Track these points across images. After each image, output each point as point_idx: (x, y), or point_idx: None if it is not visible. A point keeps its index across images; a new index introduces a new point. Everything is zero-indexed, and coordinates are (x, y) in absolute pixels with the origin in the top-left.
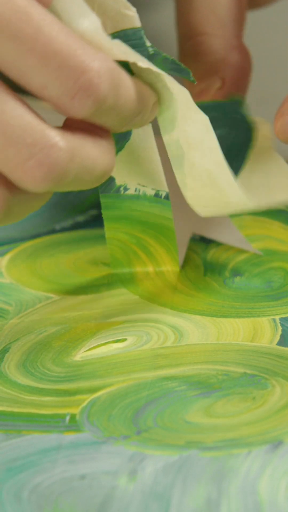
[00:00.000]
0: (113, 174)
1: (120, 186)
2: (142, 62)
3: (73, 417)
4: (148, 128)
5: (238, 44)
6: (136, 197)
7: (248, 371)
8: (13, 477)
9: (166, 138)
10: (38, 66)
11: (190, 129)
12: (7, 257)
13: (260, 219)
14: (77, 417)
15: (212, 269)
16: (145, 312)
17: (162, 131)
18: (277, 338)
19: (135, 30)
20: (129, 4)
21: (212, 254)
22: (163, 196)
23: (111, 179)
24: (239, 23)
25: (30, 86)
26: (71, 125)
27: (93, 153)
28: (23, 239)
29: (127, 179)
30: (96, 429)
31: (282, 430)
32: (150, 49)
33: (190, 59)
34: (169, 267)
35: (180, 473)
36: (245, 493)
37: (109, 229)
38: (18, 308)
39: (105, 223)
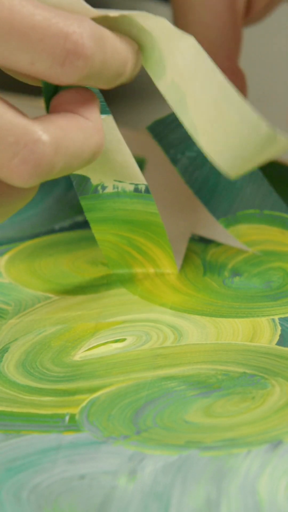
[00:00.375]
0: (87, 174)
1: (97, 186)
2: (113, 13)
3: (72, 417)
4: (109, 119)
5: (230, 65)
6: (116, 195)
7: (248, 371)
8: (13, 477)
9: (161, 86)
10: (21, 45)
11: (181, 61)
12: (6, 257)
13: (257, 226)
14: (77, 417)
15: (212, 269)
16: (144, 312)
17: (154, 79)
18: (277, 338)
19: None
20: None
21: (212, 254)
22: (143, 190)
23: (87, 180)
24: (233, 44)
25: (18, 66)
26: (54, 113)
27: (78, 139)
28: (22, 239)
29: (103, 177)
30: (95, 429)
31: (282, 430)
32: None
33: None
34: (168, 269)
35: (179, 473)
36: (245, 493)
37: (97, 232)
38: (17, 308)
39: (91, 226)
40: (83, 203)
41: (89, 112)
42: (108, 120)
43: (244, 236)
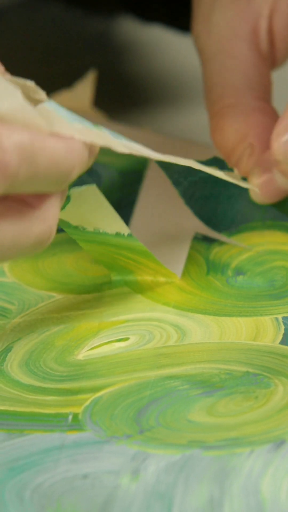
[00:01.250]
0: (66, 219)
1: (77, 226)
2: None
3: (75, 416)
4: (92, 187)
5: (260, 105)
6: (97, 233)
7: (251, 370)
8: (16, 476)
9: None
10: None
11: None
12: None
13: (260, 232)
14: (80, 417)
15: (215, 268)
16: (147, 311)
17: None
18: (280, 337)
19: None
20: (37, 88)
21: (215, 253)
22: (125, 235)
23: (66, 222)
24: (260, 86)
25: None
26: None
27: (10, 232)
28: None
29: (83, 223)
30: (98, 429)
31: (285, 429)
32: None
33: (218, 134)
34: (168, 276)
35: (182, 472)
36: (248, 492)
37: (85, 246)
38: (20, 307)
39: (79, 243)
40: (67, 231)
41: (38, 199)
42: (91, 190)
43: (247, 241)
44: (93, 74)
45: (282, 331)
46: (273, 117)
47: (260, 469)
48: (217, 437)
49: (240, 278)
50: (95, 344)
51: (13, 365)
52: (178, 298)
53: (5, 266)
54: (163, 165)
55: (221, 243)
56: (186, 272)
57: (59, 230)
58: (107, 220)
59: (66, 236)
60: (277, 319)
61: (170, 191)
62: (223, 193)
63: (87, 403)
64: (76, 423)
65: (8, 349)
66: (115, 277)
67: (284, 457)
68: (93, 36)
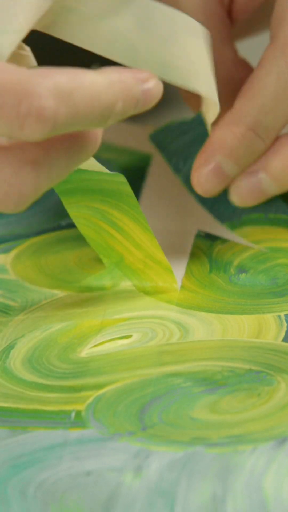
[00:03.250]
0: None
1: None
2: None
3: (78, 413)
4: None
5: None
6: (81, 170)
7: (254, 368)
8: (19, 473)
9: None
10: None
11: None
12: (12, 253)
13: (263, 227)
14: (83, 414)
15: (218, 266)
16: (150, 308)
17: None
18: (283, 334)
19: None
20: (23, 44)
21: (218, 251)
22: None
23: None
24: (223, 27)
25: None
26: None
27: (85, 92)
28: (28, 236)
29: None
30: (101, 426)
31: (287, 427)
32: None
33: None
34: (145, 239)
35: (185, 470)
36: (251, 490)
37: (68, 205)
38: (23, 305)
39: (62, 199)
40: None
41: (101, 70)
42: None
43: (249, 236)
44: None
45: (285, 328)
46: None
47: (263, 466)
48: (220, 434)
49: (243, 276)
50: (98, 342)
51: (16, 362)
52: (180, 296)
53: (8, 264)
54: (161, 147)
55: (223, 241)
56: (188, 271)
57: (64, 227)
58: (90, 167)
59: (69, 233)
60: (279, 316)
61: (173, 188)
62: None
63: (90, 400)
64: (79, 420)
65: (11, 346)
66: (106, 262)
67: (287, 454)
68: None
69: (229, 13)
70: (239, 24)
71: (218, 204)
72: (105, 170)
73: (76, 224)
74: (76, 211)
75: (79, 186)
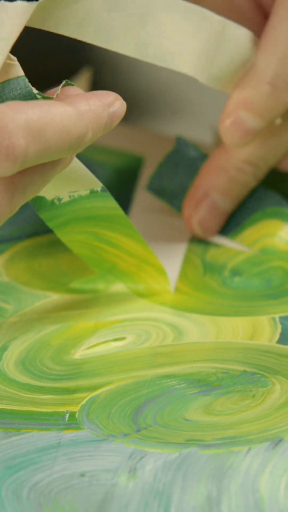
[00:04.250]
0: (41, 193)
1: (53, 200)
2: None
3: (72, 415)
4: None
5: None
6: (73, 202)
7: (248, 369)
8: (13, 475)
9: None
10: None
11: None
12: (5, 255)
13: (259, 223)
14: (77, 415)
15: (212, 269)
16: (144, 310)
17: None
18: (277, 336)
19: (18, 79)
20: (9, 54)
21: (212, 254)
22: (99, 190)
23: (41, 199)
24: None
25: None
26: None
27: (55, 126)
28: (21, 238)
29: (57, 192)
30: (95, 427)
31: (282, 428)
32: (38, 96)
33: None
34: (140, 249)
35: (180, 471)
36: (246, 491)
37: (63, 235)
38: (16, 307)
39: (56, 232)
40: (42, 215)
41: (70, 98)
42: None
43: (248, 239)
44: (88, 71)
45: (279, 330)
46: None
47: (258, 468)
48: (215, 436)
49: (237, 278)
50: (92, 343)
51: (10, 364)
52: (174, 299)
53: (1, 266)
54: (160, 195)
55: (218, 244)
56: (183, 274)
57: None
58: (80, 177)
59: None
60: (274, 318)
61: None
62: None
63: (84, 401)
64: (73, 422)
65: (4, 348)
66: (97, 271)
67: (282, 455)
68: None
69: (259, 7)
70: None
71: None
72: (89, 172)
73: (69, 246)
74: (69, 237)
75: (72, 217)
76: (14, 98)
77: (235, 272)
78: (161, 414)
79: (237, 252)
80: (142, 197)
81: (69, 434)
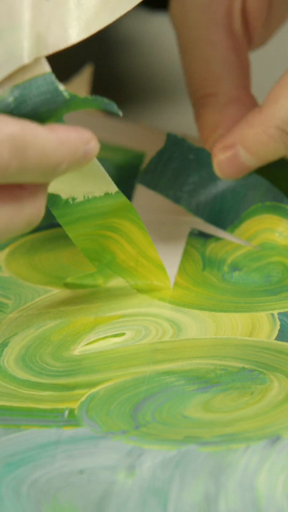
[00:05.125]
0: (56, 192)
1: (68, 199)
2: None
3: (71, 411)
4: None
5: (239, 95)
6: (87, 201)
7: (247, 366)
8: (12, 472)
9: None
10: None
11: None
12: (6, 251)
13: (259, 217)
14: (76, 412)
15: (211, 264)
16: (143, 306)
17: None
18: (276, 332)
19: (45, 76)
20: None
21: (211, 249)
22: (113, 193)
23: (56, 197)
24: (239, 72)
25: None
26: None
27: (3, 215)
28: (22, 234)
29: (73, 193)
30: (94, 424)
31: (280, 425)
32: (65, 94)
33: (198, 122)
34: (139, 235)
35: (178, 468)
36: (243, 488)
37: (70, 231)
38: (17, 302)
39: (64, 228)
40: (55, 212)
41: (52, 126)
42: None
43: (247, 232)
44: (89, 69)
45: (278, 327)
46: (249, 106)
47: (255, 465)
48: (213, 433)
49: (236, 273)
50: (91, 339)
51: (10, 360)
52: (173, 293)
53: (1, 261)
54: (153, 186)
55: (217, 238)
56: (182, 268)
57: (57, 225)
58: (96, 179)
59: (63, 231)
60: (272, 314)
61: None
62: (226, 187)
63: (83, 398)
64: (72, 419)
65: (4, 344)
66: (96, 265)
67: (279, 453)
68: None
69: (246, 25)
70: (258, 30)
71: (222, 215)
72: (106, 175)
73: (73, 241)
74: (76, 232)
75: (82, 215)
76: (40, 95)
77: (235, 267)
78: (160, 411)
79: (236, 247)
80: (143, 192)
81: (68, 431)
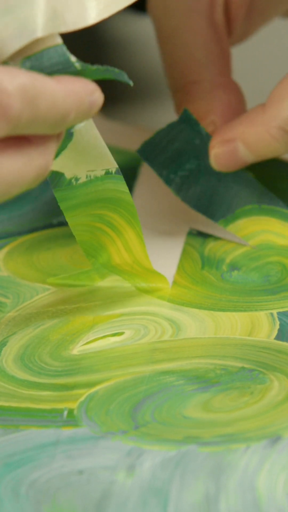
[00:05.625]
0: (62, 170)
1: (71, 179)
2: None
3: (71, 411)
4: (89, 121)
5: (222, 81)
6: (89, 182)
7: (246, 366)
8: (11, 472)
9: None
10: None
11: None
12: (4, 250)
13: (256, 218)
14: (75, 412)
15: (210, 263)
16: (142, 305)
17: None
18: (275, 332)
19: (56, 48)
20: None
21: (210, 248)
22: (113, 172)
23: (60, 175)
24: (221, 60)
25: None
26: None
27: (13, 167)
28: (20, 233)
29: (76, 171)
30: (94, 424)
31: (280, 425)
32: (77, 64)
33: (181, 110)
34: (136, 244)
35: (178, 468)
36: (244, 488)
37: (70, 218)
38: (15, 301)
39: (65, 214)
40: (57, 194)
41: (32, 139)
42: (88, 121)
43: (243, 230)
44: None
45: (277, 326)
46: (236, 92)
47: (256, 465)
48: (213, 433)
49: (235, 273)
50: (90, 339)
51: (8, 360)
52: (173, 292)
53: (0, 260)
54: (150, 160)
55: (215, 238)
56: (181, 267)
57: (55, 225)
58: (99, 156)
59: (61, 230)
60: (272, 314)
61: (164, 187)
62: (219, 181)
63: (82, 398)
64: (71, 419)
65: (3, 344)
66: (92, 262)
67: (280, 453)
68: (87, 30)
69: (227, 16)
70: (240, 23)
71: (212, 207)
72: (108, 151)
73: (72, 230)
74: (75, 221)
75: (83, 200)
76: (52, 66)
77: (233, 266)
78: (160, 411)
79: (235, 246)
80: (142, 192)
81: (67, 431)
